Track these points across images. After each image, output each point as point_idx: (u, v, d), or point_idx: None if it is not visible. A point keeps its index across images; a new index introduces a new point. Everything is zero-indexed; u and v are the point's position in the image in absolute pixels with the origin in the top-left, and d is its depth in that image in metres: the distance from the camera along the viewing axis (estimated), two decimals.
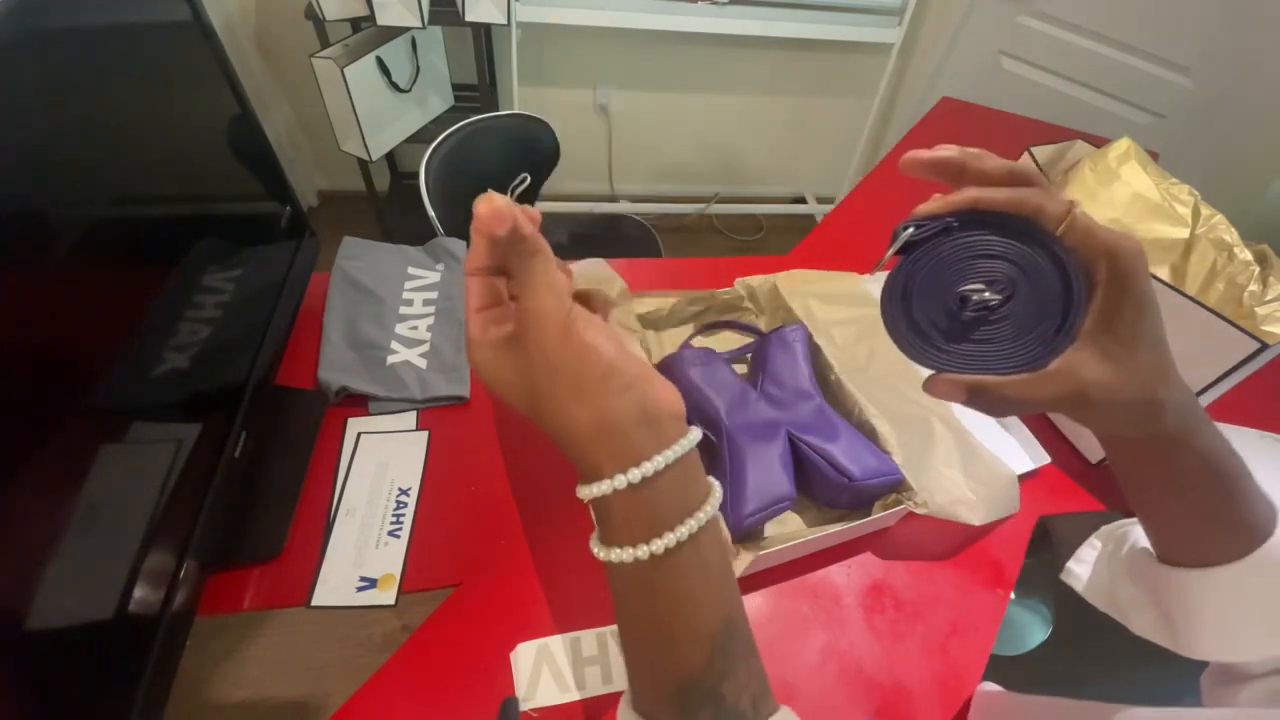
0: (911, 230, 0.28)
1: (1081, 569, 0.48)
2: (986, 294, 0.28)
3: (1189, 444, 0.31)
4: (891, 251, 0.28)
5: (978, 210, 0.28)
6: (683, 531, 0.27)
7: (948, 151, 0.28)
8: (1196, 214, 0.75)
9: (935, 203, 0.28)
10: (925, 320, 0.29)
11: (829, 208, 2.14)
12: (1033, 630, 0.92)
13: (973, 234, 0.28)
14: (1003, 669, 0.62)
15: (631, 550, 0.27)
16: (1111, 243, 0.26)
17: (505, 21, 1.63)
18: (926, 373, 0.31)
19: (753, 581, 0.63)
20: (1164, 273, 0.75)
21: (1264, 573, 0.33)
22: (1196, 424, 0.31)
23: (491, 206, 0.26)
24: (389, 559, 0.61)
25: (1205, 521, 0.34)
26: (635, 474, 0.26)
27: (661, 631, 0.28)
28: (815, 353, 0.75)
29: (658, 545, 0.26)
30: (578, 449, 0.28)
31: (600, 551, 0.28)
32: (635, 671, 0.30)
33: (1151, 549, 0.40)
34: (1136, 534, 0.43)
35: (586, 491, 0.27)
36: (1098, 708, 0.37)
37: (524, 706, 0.53)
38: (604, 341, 0.27)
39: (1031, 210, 0.27)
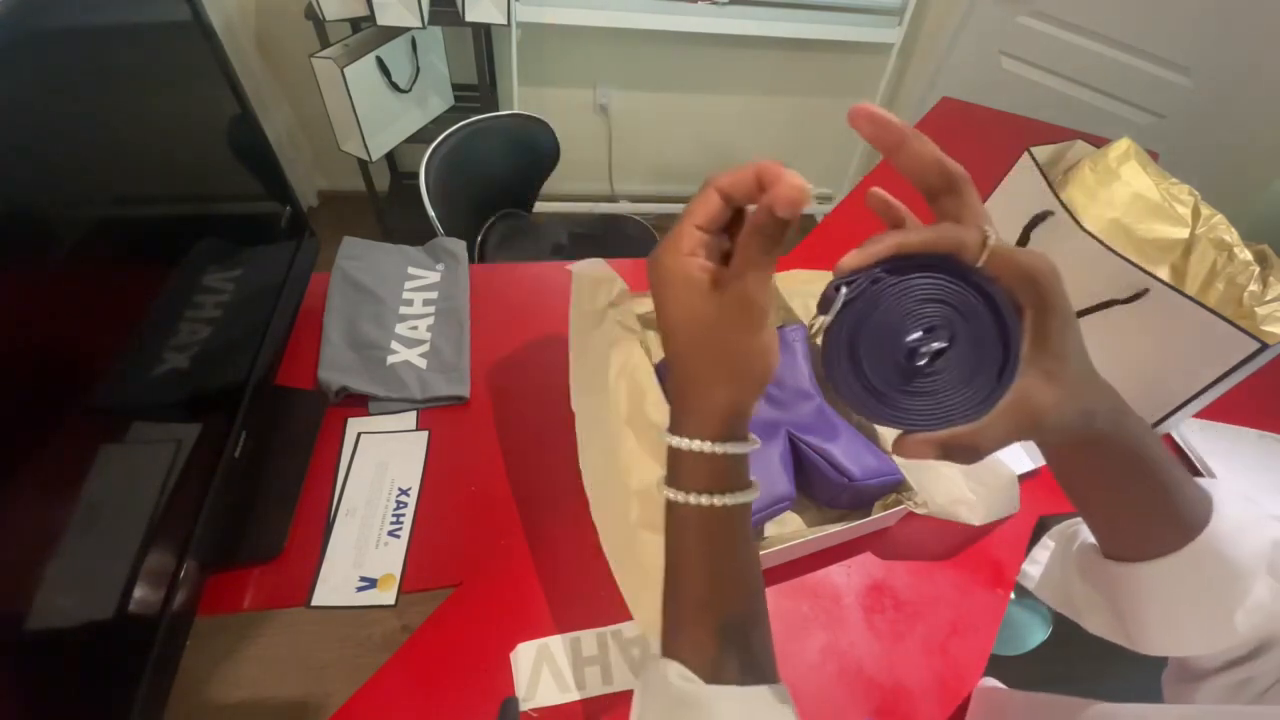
0: (845, 290, 0.28)
1: (1035, 569, 0.49)
2: (934, 344, 0.27)
3: (1117, 438, 0.32)
4: (831, 315, 0.28)
5: (900, 255, 0.28)
6: (744, 496, 0.31)
7: (889, 115, 0.28)
8: (1196, 214, 0.75)
9: (858, 255, 0.28)
10: (878, 379, 0.28)
11: (829, 208, 2.14)
12: (1033, 630, 0.92)
13: (903, 279, 0.28)
14: (1003, 669, 0.62)
15: (707, 497, 0.31)
16: (1029, 265, 0.27)
17: (505, 21, 1.63)
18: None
19: None
20: (1164, 273, 0.75)
21: (1202, 564, 0.34)
22: (1122, 417, 0.31)
23: (803, 190, 0.26)
24: (389, 559, 0.61)
25: (1141, 514, 0.35)
26: (734, 448, 0.30)
27: (710, 571, 0.32)
28: (815, 352, 0.75)
29: (729, 499, 0.31)
30: (698, 409, 0.31)
31: (670, 493, 0.32)
32: (676, 612, 0.33)
33: (1097, 545, 0.41)
34: (1085, 531, 0.43)
35: (681, 442, 0.31)
36: (1090, 704, 0.38)
37: (524, 706, 0.53)
38: (775, 347, 0.30)
39: (951, 248, 0.28)
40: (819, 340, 0.29)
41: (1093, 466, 0.33)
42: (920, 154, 0.29)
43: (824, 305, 0.29)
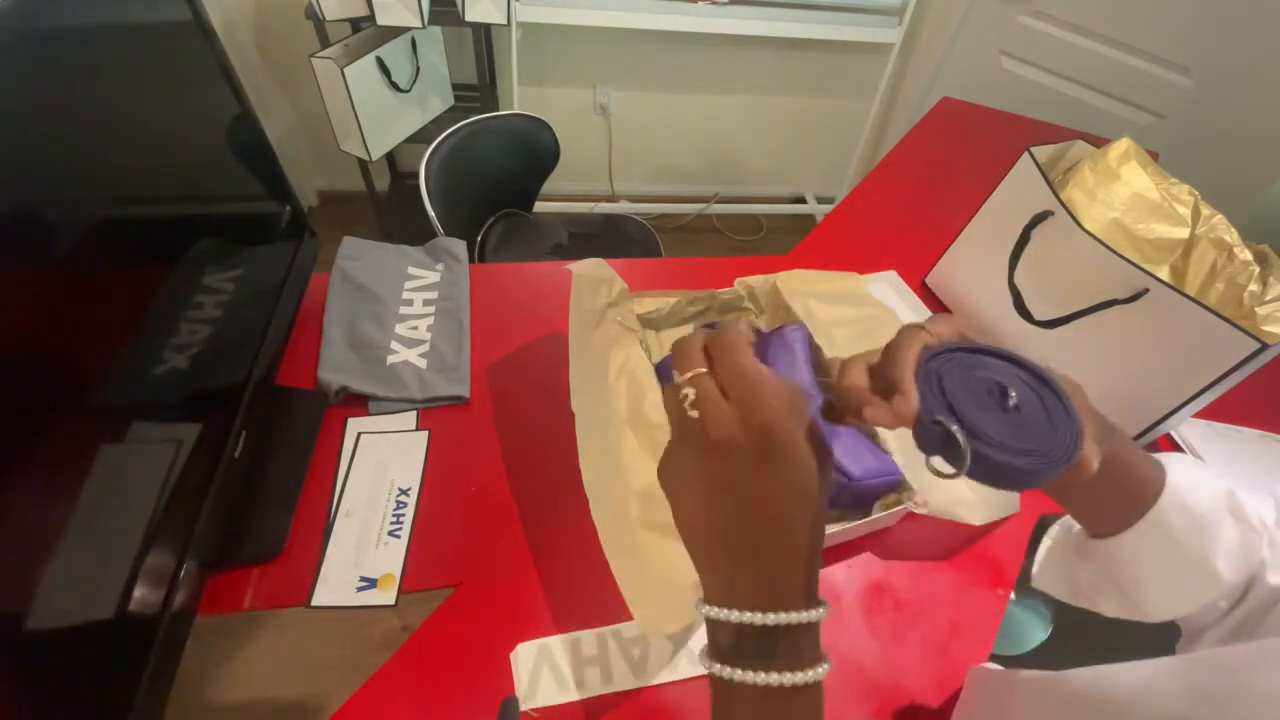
0: (952, 427, 0.29)
1: (1038, 568, 0.50)
2: (1012, 391, 0.30)
3: None
4: (960, 445, 0.29)
5: (937, 353, 0.32)
6: (805, 676, 0.26)
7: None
8: (1196, 214, 0.75)
9: (912, 393, 0.30)
10: (1017, 445, 0.29)
11: (829, 208, 2.14)
12: (1033, 630, 0.92)
13: (939, 373, 0.31)
14: None
15: (762, 676, 0.26)
16: (958, 324, 0.34)
17: (505, 21, 1.63)
18: None
19: None
20: (1164, 273, 0.75)
21: (1170, 522, 0.37)
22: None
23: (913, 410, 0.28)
24: (389, 559, 0.61)
25: (1111, 486, 0.37)
26: (776, 618, 0.26)
27: None
28: (815, 352, 0.75)
29: (791, 678, 0.26)
30: (771, 572, 0.27)
31: (714, 668, 0.27)
32: None
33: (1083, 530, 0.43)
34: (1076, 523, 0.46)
35: (719, 614, 0.27)
36: (1074, 674, 0.38)
37: (524, 706, 0.53)
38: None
39: (920, 347, 0.32)
40: (964, 462, 0.29)
41: None
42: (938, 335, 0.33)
43: (932, 437, 0.30)
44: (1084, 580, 0.45)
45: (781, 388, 0.28)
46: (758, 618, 0.26)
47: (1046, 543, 0.49)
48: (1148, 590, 0.40)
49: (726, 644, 0.27)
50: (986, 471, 0.29)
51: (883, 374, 0.31)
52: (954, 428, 0.29)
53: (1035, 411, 0.30)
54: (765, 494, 0.27)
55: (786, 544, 0.27)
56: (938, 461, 0.30)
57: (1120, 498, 0.38)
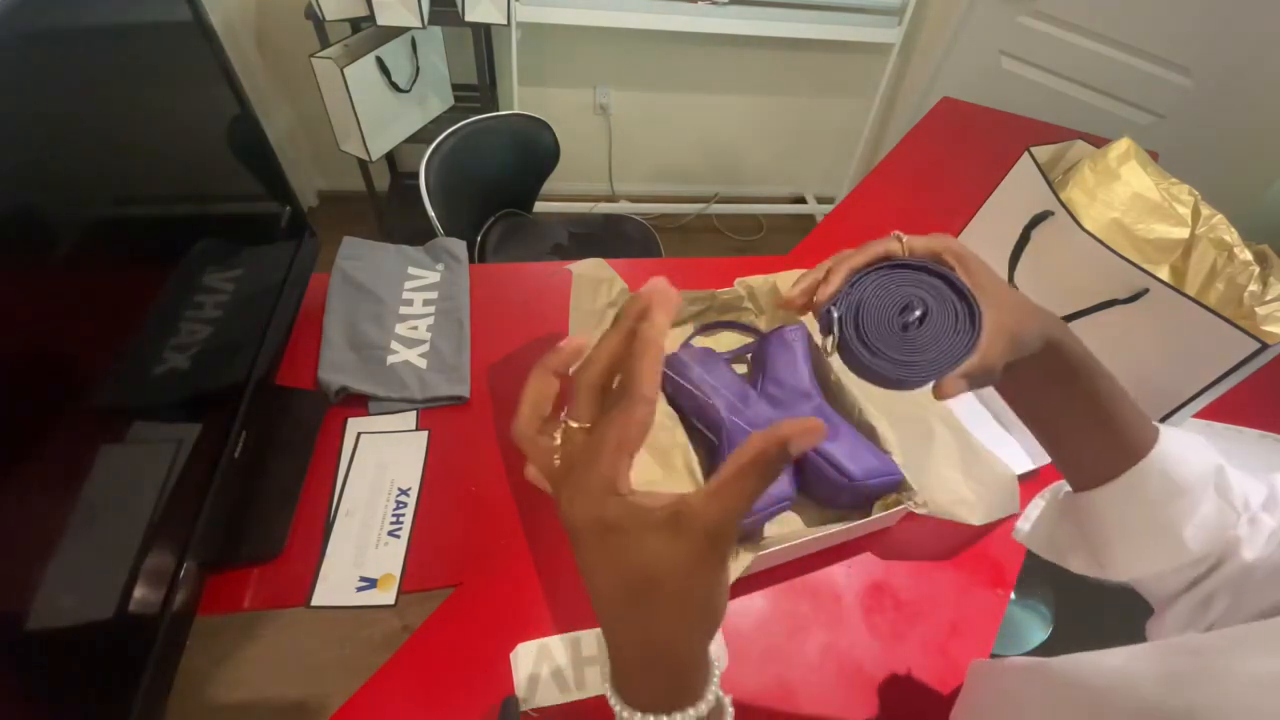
0: (835, 309, 0.38)
1: (1026, 524, 0.51)
2: (916, 311, 0.37)
3: (1069, 342, 0.38)
4: (837, 327, 0.38)
5: (855, 271, 0.39)
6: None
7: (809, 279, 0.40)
8: (1196, 214, 0.75)
9: (827, 287, 0.39)
10: (894, 352, 0.37)
11: (829, 208, 2.14)
12: (1032, 630, 0.92)
13: (872, 280, 0.38)
14: None
15: None
16: (936, 241, 0.38)
17: (505, 22, 1.63)
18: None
19: (753, 581, 0.63)
20: (1164, 273, 0.75)
21: (1149, 484, 0.39)
22: (1067, 330, 0.39)
23: (821, 430, 0.23)
24: (389, 559, 0.61)
25: (1096, 430, 0.40)
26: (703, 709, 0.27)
27: None
28: (815, 353, 0.75)
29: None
30: (670, 671, 0.27)
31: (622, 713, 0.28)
32: None
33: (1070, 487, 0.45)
34: (1066, 484, 0.47)
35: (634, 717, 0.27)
36: (1057, 661, 0.39)
37: (524, 706, 0.53)
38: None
39: (883, 253, 0.39)
40: (834, 349, 0.38)
41: (1053, 377, 0.39)
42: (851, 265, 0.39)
43: (825, 324, 0.38)
44: (1060, 536, 0.47)
45: (585, 469, 0.25)
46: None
47: (1039, 503, 0.51)
48: (1113, 547, 0.42)
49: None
50: (854, 365, 0.38)
51: (833, 266, 0.39)
52: (836, 315, 0.37)
53: (937, 331, 0.36)
54: (612, 582, 0.25)
55: (683, 664, 0.27)
56: (828, 343, 0.38)
57: (1102, 447, 0.40)
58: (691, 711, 0.27)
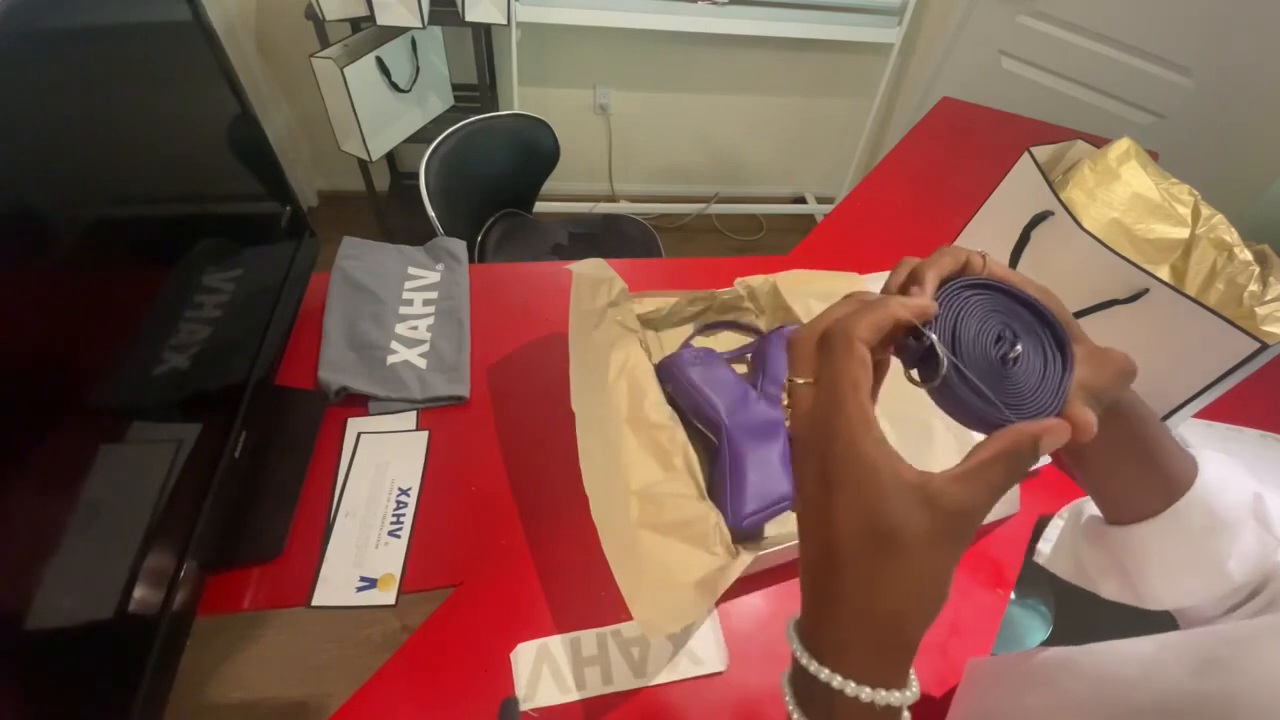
0: (937, 335, 0.29)
1: (1047, 546, 0.51)
2: (1018, 348, 0.30)
3: (1129, 397, 0.35)
4: (943, 370, 0.29)
5: (941, 288, 0.31)
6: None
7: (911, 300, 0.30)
8: (1196, 214, 0.75)
9: (911, 306, 0.29)
10: (995, 393, 0.29)
11: (829, 208, 2.13)
12: (1032, 630, 0.91)
13: (965, 301, 0.30)
14: None
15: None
16: (1018, 272, 0.31)
17: (505, 21, 1.63)
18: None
19: (753, 581, 0.63)
20: (1164, 273, 0.75)
21: (1192, 518, 0.37)
22: (1127, 390, 0.35)
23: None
24: (389, 559, 0.61)
25: (1141, 474, 0.38)
26: (907, 696, 0.25)
27: None
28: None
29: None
30: (880, 645, 0.26)
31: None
32: None
33: (1100, 515, 0.43)
34: (1090, 507, 0.46)
35: (861, 691, 0.25)
36: (1074, 652, 0.38)
37: (524, 706, 0.53)
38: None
39: (962, 267, 0.31)
40: (936, 381, 0.29)
41: (1114, 429, 0.35)
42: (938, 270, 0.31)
43: (908, 355, 0.30)
44: (1088, 562, 0.45)
45: (898, 486, 0.24)
46: (879, 697, 0.25)
47: (1058, 523, 0.50)
48: (1152, 580, 0.40)
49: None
50: (947, 401, 0.30)
51: (915, 272, 0.30)
52: (938, 342, 0.28)
53: (1029, 372, 0.30)
54: (846, 531, 0.25)
55: (903, 637, 0.26)
56: (915, 373, 0.31)
57: (1145, 486, 0.38)
58: (899, 694, 0.25)
